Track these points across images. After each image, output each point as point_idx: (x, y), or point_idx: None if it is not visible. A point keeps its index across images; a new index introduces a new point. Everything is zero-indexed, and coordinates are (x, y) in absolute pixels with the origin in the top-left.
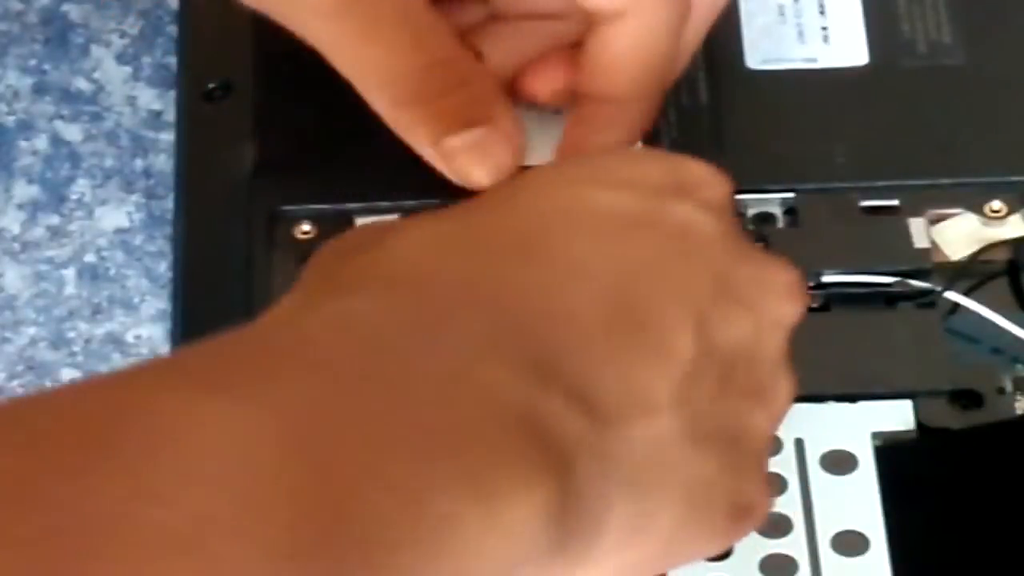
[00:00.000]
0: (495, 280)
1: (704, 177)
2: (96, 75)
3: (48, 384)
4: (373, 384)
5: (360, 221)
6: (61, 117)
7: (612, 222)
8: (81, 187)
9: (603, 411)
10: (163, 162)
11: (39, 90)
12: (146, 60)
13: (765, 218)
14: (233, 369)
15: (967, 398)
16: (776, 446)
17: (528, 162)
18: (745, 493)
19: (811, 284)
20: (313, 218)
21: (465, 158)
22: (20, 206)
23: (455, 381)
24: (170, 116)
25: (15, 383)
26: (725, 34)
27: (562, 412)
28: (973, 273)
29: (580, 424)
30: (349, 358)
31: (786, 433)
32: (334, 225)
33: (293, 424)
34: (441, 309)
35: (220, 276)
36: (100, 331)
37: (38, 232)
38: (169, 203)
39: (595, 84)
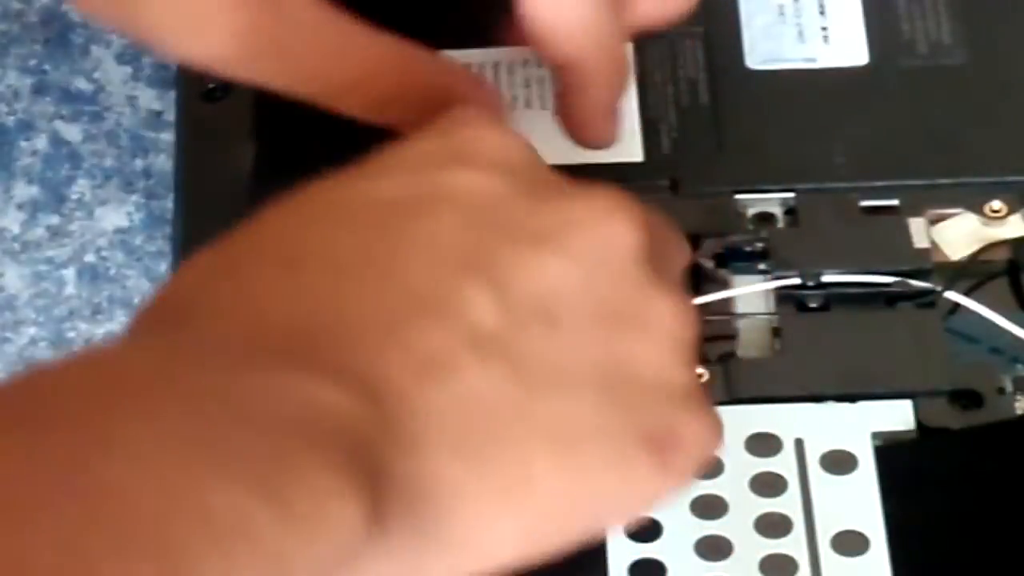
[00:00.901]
0: (258, 294)
1: (481, 136)
2: (96, 75)
3: None
4: (143, 410)
5: None
6: (61, 117)
7: (373, 210)
8: (81, 187)
9: (385, 386)
10: (163, 162)
11: (39, 90)
12: (146, 60)
13: (765, 218)
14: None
15: (967, 398)
16: (776, 446)
17: None
18: (652, 423)
19: (811, 284)
20: None
21: None
22: (20, 206)
23: (224, 393)
24: (170, 116)
25: None
26: (725, 34)
27: (337, 398)
28: (973, 273)
29: (360, 405)
30: (116, 395)
31: (786, 433)
32: None
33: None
34: (204, 332)
35: None
36: (100, 331)
37: (38, 232)
38: (169, 203)
39: (544, 54)
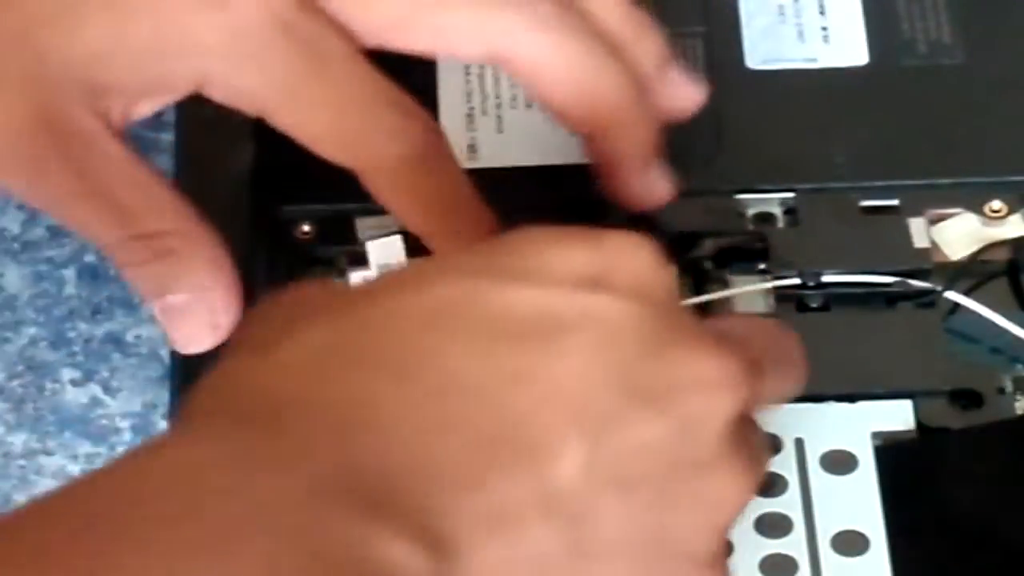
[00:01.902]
0: (353, 405)
1: (628, 256)
2: None
3: (48, 384)
4: (192, 539)
5: (360, 221)
6: None
7: (500, 325)
8: None
9: (453, 538)
10: (163, 162)
11: None
12: None
13: (765, 218)
14: (41, 540)
15: (967, 398)
16: (776, 446)
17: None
18: None
19: (811, 284)
20: (313, 218)
21: (180, 318)
22: (20, 206)
23: (286, 534)
24: (170, 116)
25: (15, 383)
26: (725, 34)
27: (402, 553)
28: (973, 273)
29: (423, 560)
30: (170, 516)
31: (786, 433)
32: (334, 225)
33: None
34: (283, 449)
35: None
36: (100, 331)
37: (38, 232)
38: None
39: (566, 126)
